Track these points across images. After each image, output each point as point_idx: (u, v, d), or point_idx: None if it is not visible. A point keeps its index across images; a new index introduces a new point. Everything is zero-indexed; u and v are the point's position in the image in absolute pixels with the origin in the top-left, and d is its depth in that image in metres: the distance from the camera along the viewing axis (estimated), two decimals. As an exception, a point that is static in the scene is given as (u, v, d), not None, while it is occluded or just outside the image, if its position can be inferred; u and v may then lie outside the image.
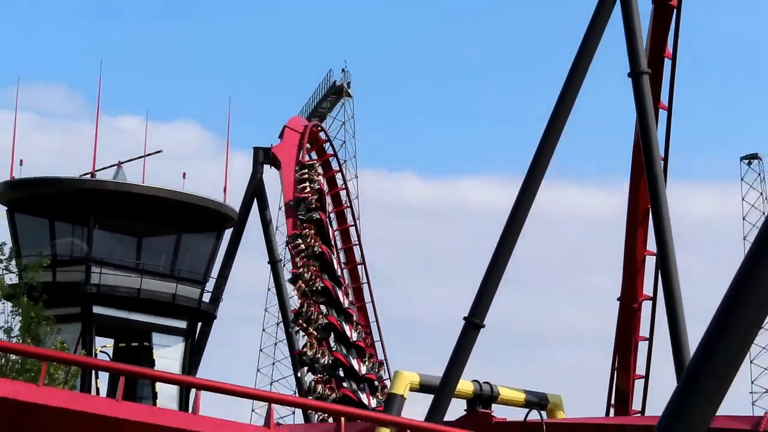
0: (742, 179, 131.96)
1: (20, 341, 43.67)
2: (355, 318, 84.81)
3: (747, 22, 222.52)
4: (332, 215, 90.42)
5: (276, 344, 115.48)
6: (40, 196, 65.78)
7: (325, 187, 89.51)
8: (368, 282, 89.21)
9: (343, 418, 43.13)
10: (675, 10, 61.74)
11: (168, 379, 56.14)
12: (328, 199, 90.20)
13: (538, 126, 54.29)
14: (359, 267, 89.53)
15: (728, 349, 27.74)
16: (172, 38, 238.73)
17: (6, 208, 65.50)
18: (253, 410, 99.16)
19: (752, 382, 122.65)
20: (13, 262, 47.90)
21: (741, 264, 27.21)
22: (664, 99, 61.81)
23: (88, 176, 68.11)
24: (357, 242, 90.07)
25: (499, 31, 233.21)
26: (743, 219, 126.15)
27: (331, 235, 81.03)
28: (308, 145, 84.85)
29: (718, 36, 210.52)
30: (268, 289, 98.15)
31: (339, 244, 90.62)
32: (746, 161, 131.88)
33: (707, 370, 27.26)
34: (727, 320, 28.02)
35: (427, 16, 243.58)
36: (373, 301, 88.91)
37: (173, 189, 68.21)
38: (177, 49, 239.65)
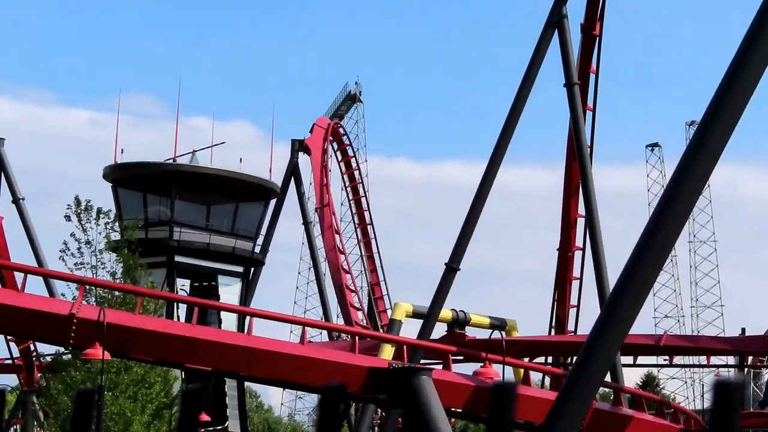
0: (647, 161, 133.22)
1: (122, 282, 43.57)
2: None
3: (648, 44, 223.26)
4: (349, 189, 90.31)
5: (308, 283, 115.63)
6: (136, 175, 65.70)
7: (343, 168, 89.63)
8: (375, 237, 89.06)
9: (357, 337, 43.31)
10: (597, 38, 61.80)
11: (229, 309, 56.41)
12: (346, 177, 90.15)
13: (500, 121, 54.45)
14: (368, 227, 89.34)
15: (637, 285, 27.95)
16: (230, 56, 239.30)
17: (111, 184, 65.45)
18: (291, 332, 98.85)
19: (654, 310, 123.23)
20: (116, 224, 47.79)
21: (646, 224, 27.50)
22: (590, 102, 61.93)
23: (171, 161, 68.11)
24: (366, 208, 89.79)
25: (468, 53, 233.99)
26: (648, 191, 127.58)
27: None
28: (331, 138, 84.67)
29: (630, 54, 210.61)
30: (302, 243, 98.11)
31: (354, 209, 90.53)
32: (650, 148, 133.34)
33: (622, 300, 27.51)
34: (636, 265, 28.25)
35: (417, 41, 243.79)
36: (378, 252, 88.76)
37: (232, 170, 68.18)
38: (234, 65, 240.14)
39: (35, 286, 44.62)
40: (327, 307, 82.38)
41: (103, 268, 43.01)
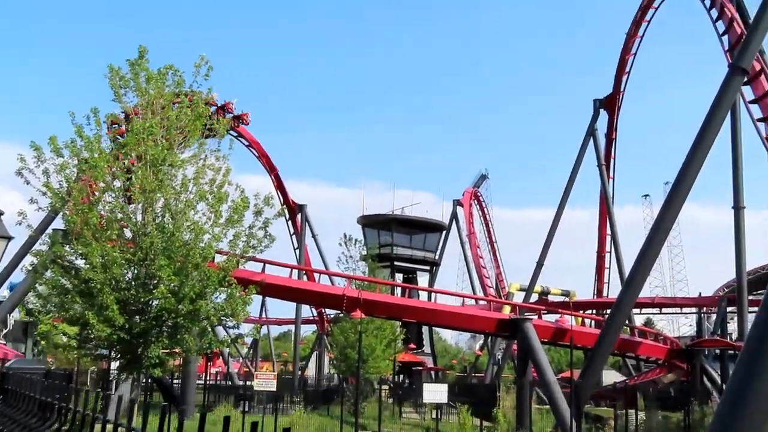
0: (642, 204, 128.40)
1: (368, 275, 43.78)
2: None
3: (639, 142, 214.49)
4: (483, 224, 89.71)
5: (463, 274, 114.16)
6: (374, 221, 65.98)
7: (480, 213, 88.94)
8: (497, 249, 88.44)
9: (491, 303, 42.59)
10: (613, 140, 60.34)
11: (423, 289, 56.43)
12: (481, 218, 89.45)
13: (551, 190, 53.22)
14: (494, 243, 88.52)
15: (641, 272, 25.74)
16: (423, 160, 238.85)
17: (361, 226, 65.79)
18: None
19: (650, 284, 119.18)
20: (364, 247, 48.11)
21: (644, 242, 25.39)
22: (611, 173, 60.48)
23: (391, 213, 68.23)
24: (492, 233, 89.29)
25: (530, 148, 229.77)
26: (643, 220, 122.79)
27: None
28: (473, 197, 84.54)
29: (630, 147, 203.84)
30: (460, 252, 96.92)
31: (485, 234, 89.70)
32: (644, 197, 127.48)
33: (633, 280, 25.35)
34: (640, 262, 26.14)
35: (520, 147, 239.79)
36: (499, 256, 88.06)
37: (423, 217, 68.09)
38: (423, 165, 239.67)
39: (324, 280, 45.39)
40: (473, 287, 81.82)
41: (359, 270, 43.39)
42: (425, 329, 65.55)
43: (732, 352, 41.70)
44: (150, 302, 16.22)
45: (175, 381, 37.67)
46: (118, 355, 16.96)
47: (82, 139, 16.30)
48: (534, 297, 60.24)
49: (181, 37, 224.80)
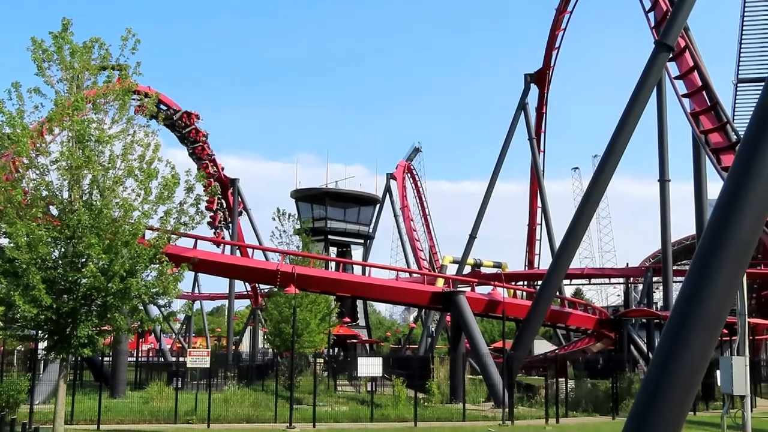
0: (572, 177, 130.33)
1: (302, 251, 43.60)
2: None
3: (573, 114, 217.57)
4: (416, 197, 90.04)
5: (396, 247, 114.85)
6: (307, 194, 65.55)
7: (413, 186, 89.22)
8: (431, 221, 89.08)
9: (424, 275, 42.86)
10: (544, 114, 60.86)
11: (356, 263, 56.47)
12: (414, 191, 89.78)
13: (485, 161, 53.40)
14: (427, 216, 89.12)
15: (570, 244, 26.21)
16: (354, 134, 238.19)
17: (294, 200, 65.41)
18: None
19: (579, 255, 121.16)
20: (298, 221, 47.84)
21: (575, 213, 25.83)
22: (542, 147, 61.01)
23: (324, 186, 67.92)
24: (426, 206, 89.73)
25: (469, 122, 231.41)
26: (573, 193, 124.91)
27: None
28: (406, 170, 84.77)
29: (561, 120, 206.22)
30: (393, 226, 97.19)
31: (419, 207, 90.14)
32: (574, 169, 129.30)
33: (563, 252, 25.82)
34: (570, 234, 26.64)
35: (453, 124, 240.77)
36: (433, 228, 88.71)
37: (357, 190, 67.97)
38: (357, 136, 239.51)
39: (258, 254, 45.03)
40: (407, 260, 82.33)
41: (292, 244, 43.17)
42: (360, 302, 65.76)
43: (657, 321, 42.86)
44: (78, 281, 15.90)
45: (105, 359, 37.03)
46: (46, 336, 16.62)
47: (3, 114, 15.81)
48: (467, 269, 60.91)
49: (106, 10, 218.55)
